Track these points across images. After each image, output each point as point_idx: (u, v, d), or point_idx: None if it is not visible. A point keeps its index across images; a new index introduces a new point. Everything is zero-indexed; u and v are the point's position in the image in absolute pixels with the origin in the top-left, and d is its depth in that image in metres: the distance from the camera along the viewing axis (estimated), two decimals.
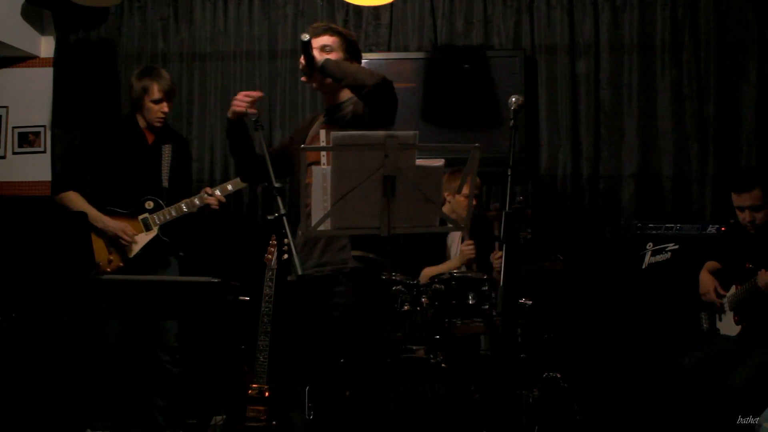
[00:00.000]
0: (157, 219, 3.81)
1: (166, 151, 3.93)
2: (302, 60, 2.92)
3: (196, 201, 3.82)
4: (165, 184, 3.90)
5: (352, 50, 3.05)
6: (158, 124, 3.89)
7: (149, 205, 3.82)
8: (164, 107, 3.86)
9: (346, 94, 3.04)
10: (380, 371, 2.86)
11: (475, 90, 4.73)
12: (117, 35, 5.08)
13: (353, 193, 2.32)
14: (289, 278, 2.93)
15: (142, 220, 3.80)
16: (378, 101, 2.85)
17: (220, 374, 4.13)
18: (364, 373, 2.89)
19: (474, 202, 4.03)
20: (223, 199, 3.86)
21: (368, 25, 4.93)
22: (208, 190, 3.86)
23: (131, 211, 3.80)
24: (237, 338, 4.03)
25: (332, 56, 2.98)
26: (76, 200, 3.77)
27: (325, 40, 3.00)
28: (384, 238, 2.43)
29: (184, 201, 3.82)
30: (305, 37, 2.84)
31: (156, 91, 3.82)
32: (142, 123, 3.91)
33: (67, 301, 2.93)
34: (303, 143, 3.03)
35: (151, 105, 3.84)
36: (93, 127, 4.03)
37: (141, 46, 5.07)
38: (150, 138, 3.92)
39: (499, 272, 2.87)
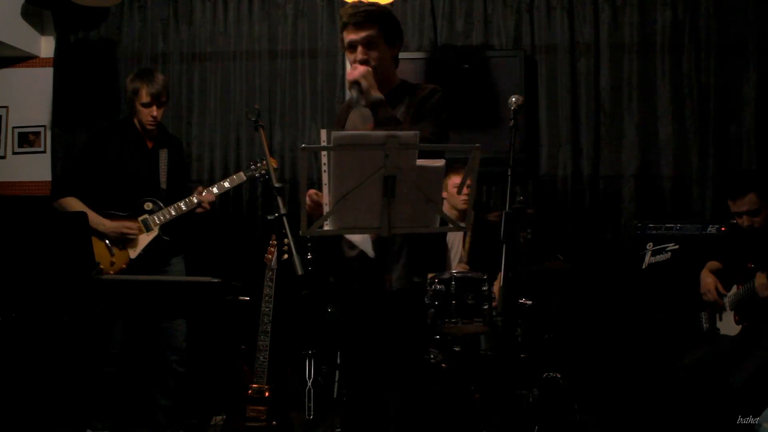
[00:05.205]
0: (157, 219, 3.82)
1: (163, 155, 3.94)
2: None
3: (194, 200, 3.83)
4: (163, 186, 3.91)
5: (395, 34, 2.84)
6: (149, 128, 3.87)
7: (148, 206, 3.83)
8: (153, 111, 3.83)
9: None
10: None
11: (475, 90, 4.73)
12: (117, 35, 5.08)
13: (353, 193, 2.31)
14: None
15: (142, 221, 3.81)
16: None
17: (221, 374, 4.13)
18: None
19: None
20: (212, 198, 3.87)
21: None
22: (201, 189, 3.86)
23: (131, 213, 3.81)
24: (237, 338, 4.03)
25: (377, 52, 2.77)
26: (75, 205, 3.77)
27: (367, 31, 2.74)
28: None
29: (183, 200, 3.84)
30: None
31: (144, 95, 3.80)
32: (139, 127, 3.91)
33: (67, 301, 2.92)
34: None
35: (141, 108, 3.83)
36: (94, 132, 4.03)
37: (141, 46, 5.08)
38: (149, 143, 3.92)
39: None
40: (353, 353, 3.00)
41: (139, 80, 3.83)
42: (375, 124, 2.68)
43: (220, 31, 5.05)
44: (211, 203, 3.87)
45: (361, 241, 2.83)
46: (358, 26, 2.74)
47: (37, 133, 5.18)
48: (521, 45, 4.80)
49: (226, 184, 3.93)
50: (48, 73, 5.12)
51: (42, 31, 5.18)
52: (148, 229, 3.82)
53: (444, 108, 2.83)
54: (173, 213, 3.83)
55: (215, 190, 3.89)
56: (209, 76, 5.05)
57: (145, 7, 5.08)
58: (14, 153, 5.20)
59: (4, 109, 5.22)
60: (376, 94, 2.67)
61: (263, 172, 3.97)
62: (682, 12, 4.71)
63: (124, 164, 3.85)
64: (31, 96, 5.17)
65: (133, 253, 3.78)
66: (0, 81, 5.20)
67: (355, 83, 2.66)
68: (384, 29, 2.78)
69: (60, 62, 5.09)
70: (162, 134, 3.99)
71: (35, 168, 3.89)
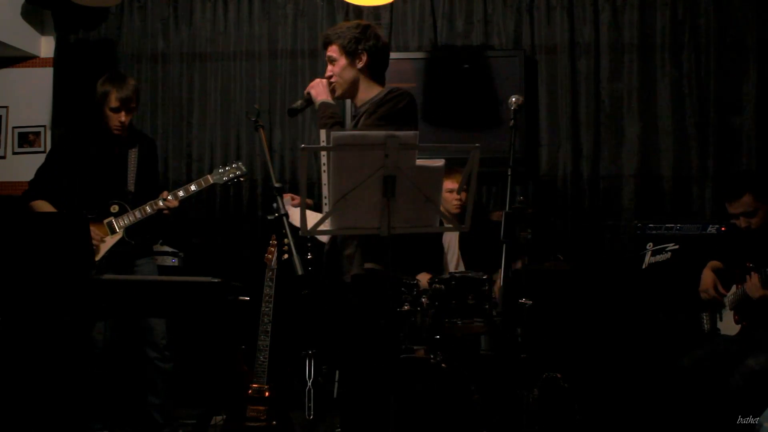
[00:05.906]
0: (121, 222, 3.81)
1: (132, 155, 3.92)
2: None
3: (160, 203, 3.81)
4: (131, 188, 3.89)
5: (352, 48, 3.03)
6: (116, 133, 3.84)
7: (114, 209, 3.82)
8: (121, 117, 3.79)
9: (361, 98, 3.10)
10: (377, 375, 2.86)
11: (475, 90, 4.73)
12: (117, 35, 5.08)
13: (353, 192, 2.32)
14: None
15: (107, 223, 3.80)
16: None
17: (220, 374, 4.13)
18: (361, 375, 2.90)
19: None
20: (175, 203, 3.83)
21: None
22: (165, 194, 3.84)
23: (97, 215, 3.80)
24: (237, 338, 4.03)
25: (337, 67, 3.04)
26: (44, 208, 3.76)
27: (330, 52, 3.09)
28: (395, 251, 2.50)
29: (149, 203, 3.81)
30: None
31: (113, 99, 3.77)
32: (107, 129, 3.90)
33: (67, 301, 2.92)
34: None
35: (109, 113, 3.80)
36: (61, 135, 4.02)
37: (141, 46, 5.08)
38: (117, 144, 3.91)
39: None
40: (335, 344, 3.13)
41: (109, 84, 3.80)
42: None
43: (220, 31, 5.05)
44: (173, 208, 3.82)
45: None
46: (323, 47, 3.14)
47: (37, 133, 5.18)
48: (521, 45, 4.80)
49: (192, 188, 3.87)
50: (48, 73, 5.12)
51: (42, 31, 5.18)
52: (113, 231, 3.81)
53: (395, 103, 2.92)
54: (138, 216, 3.80)
55: (181, 193, 3.84)
56: (209, 76, 5.05)
57: (145, 7, 5.08)
58: (14, 153, 5.20)
59: (4, 109, 5.22)
60: (321, 99, 3.05)
61: (231, 176, 3.94)
62: (682, 12, 4.71)
63: (91, 167, 3.83)
64: (31, 96, 5.17)
65: (97, 255, 3.76)
66: (0, 81, 5.21)
67: (307, 93, 3.10)
68: (341, 46, 3.05)
69: (60, 62, 5.09)
70: (132, 135, 3.96)
71: (35, 168, 3.89)
